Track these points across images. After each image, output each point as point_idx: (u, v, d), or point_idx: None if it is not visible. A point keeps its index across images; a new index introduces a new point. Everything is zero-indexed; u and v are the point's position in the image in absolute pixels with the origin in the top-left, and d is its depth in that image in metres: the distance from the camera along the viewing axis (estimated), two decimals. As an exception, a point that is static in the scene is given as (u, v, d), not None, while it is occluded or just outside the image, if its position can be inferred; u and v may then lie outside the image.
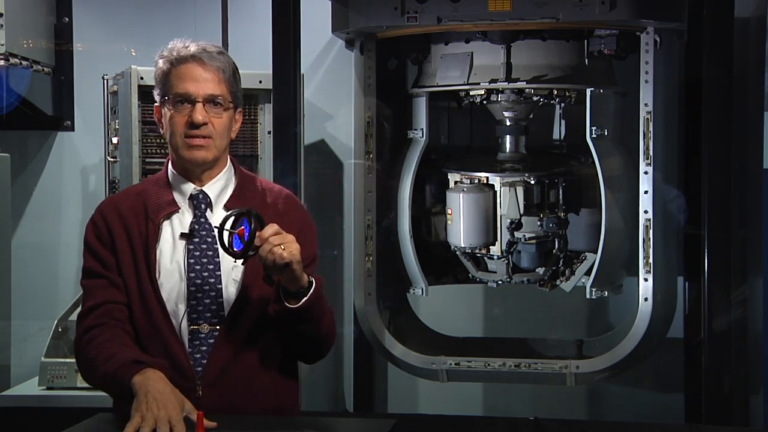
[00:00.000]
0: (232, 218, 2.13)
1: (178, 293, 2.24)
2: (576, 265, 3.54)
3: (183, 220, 2.30)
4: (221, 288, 2.26)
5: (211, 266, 2.25)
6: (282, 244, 2.10)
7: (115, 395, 2.22)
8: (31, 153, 4.25)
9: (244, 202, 2.30)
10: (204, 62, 2.26)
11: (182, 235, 2.27)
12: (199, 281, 2.24)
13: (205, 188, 2.32)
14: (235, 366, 2.24)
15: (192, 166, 2.30)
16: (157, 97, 2.32)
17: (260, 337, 2.27)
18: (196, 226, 2.29)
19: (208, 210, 2.31)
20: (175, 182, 2.33)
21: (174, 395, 2.06)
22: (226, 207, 2.31)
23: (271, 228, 2.12)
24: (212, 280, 2.25)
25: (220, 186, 2.33)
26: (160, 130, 2.34)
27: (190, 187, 2.32)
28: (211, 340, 2.24)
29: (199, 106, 2.24)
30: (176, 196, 2.32)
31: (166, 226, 2.29)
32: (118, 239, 2.27)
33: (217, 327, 2.24)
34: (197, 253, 2.26)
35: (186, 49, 2.28)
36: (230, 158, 2.39)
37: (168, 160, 2.36)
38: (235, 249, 2.12)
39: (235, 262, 2.21)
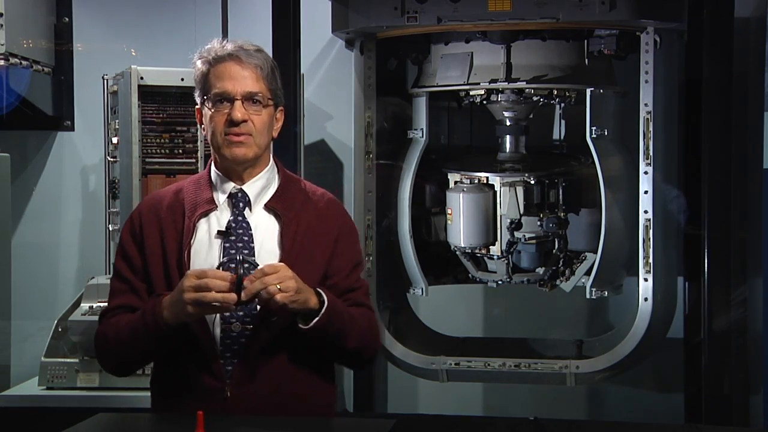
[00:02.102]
0: (233, 264, 2.14)
1: None
2: (576, 265, 3.54)
3: (221, 218, 2.28)
4: None
5: (247, 264, 2.18)
6: (278, 283, 2.08)
7: (150, 332, 2.18)
8: (31, 153, 4.25)
9: (285, 202, 2.30)
10: (242, 60, 2.26)
11: (219, 233, 2.25)
12: None
13: (244, 187, 2.31)
14: (265, 366, 2.22)
15: (233, 164, 2.29)
16: (197, 99, 2.33)
17: (292, 338, 2.23)
18: (233, 225, 2.27)
19: (247, 209, 2.30)
20: (216, 181, 2.33)
21: None
22: (267, 207, 2.30)
23: (268, 268, 2.11)
24: None
25: (260, 185, 2.32)
26: (202, 131, 2.35)
27: (230, 186, 2.31)
28: (243, 340, 2.21)
29: (238, 103, 2.24)
30: (216, 195, 2.31)
31: (202, 224, 2.28)
32: (150, 239, 2.27)
33: (249, 326, 2.22)
34: (233, 251, 2.23)
35: (223, 48, 2.28)
36: (274, 159, 2.38)
37: (210, 160, 2.36)
38: None
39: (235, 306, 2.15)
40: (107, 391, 3.43)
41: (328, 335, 2.20)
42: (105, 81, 3.88)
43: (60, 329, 3.56)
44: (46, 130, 4.23)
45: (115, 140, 3.85)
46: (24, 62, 3.86)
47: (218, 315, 2.20)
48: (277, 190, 2.33)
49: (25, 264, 4.13)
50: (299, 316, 2.17)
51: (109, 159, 3.88)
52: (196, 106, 2.34)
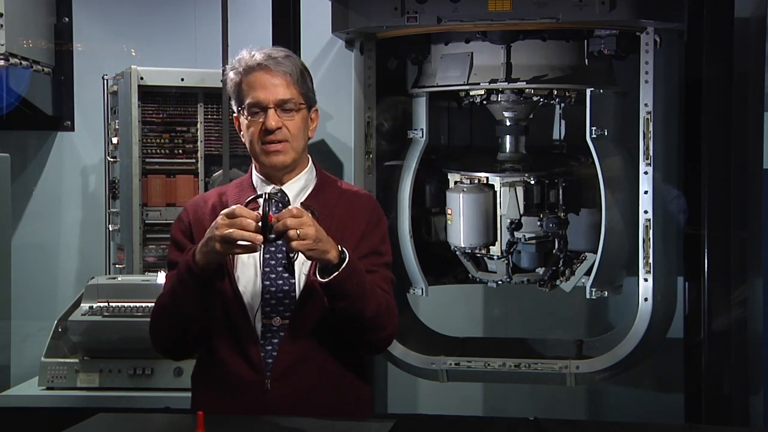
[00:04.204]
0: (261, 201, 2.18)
1: (254, 287, 2.30)
2: (576, 265, 3.54)
3: None
4: (294, 282, 2.31)
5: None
6: (298, 228, 2.12)
7: (186, 283, 2.22)
8: (31, 153, 4.25)
9: (321, 200, 2.37)
10: (270, 69, 2.33)
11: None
12: (273, 275, 2.31)
13: (284, 187, 2.39)
14: (304, 359, 2.28)
15: (272, 170, 2.37)
16: (234, 107, 2.40)
17: (330, 331, 2.30)
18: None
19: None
20: (257, 184, 2.41)
21: None
22: (303, 204, 2.35)
23: (287, 212, 2.15)
24: (286, 274, 2.29)
25: (299, 186, 2.40)
26: (241, 138, 2.42)
27: (270, 188, 2.38)
28: (282, 333, 2.28)
29: (270, 112, 2.31)
30: None
31: None
32: (198, 235, 2.33)
33: (288, 321, 2.29)
34: (273, 248, 2.30)
35: (252, 58, 2.34)
36: (312, 161, 2.45)
37: (251, 164, 2.44)
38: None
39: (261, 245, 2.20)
40: (107, 391, 3.44)
41: (347, 295, 2.22)
42: (105, 81, 3.89)
43: (60, 329, 3.56)
44: (46, 130, 4.24)
45: (115, 140, 3.85)
46: (24, 62, 3.87)
47: (259, 310, 2.28)
48: (313, 190, 2.41)
49: (25, 264, 4.13)
50: (319, 270, 2.21)
51: (109, 159, 3.88)
52: (234, 114, 2.42)
